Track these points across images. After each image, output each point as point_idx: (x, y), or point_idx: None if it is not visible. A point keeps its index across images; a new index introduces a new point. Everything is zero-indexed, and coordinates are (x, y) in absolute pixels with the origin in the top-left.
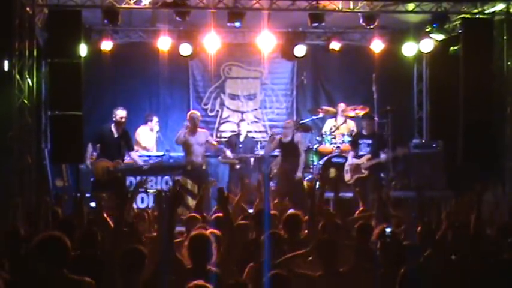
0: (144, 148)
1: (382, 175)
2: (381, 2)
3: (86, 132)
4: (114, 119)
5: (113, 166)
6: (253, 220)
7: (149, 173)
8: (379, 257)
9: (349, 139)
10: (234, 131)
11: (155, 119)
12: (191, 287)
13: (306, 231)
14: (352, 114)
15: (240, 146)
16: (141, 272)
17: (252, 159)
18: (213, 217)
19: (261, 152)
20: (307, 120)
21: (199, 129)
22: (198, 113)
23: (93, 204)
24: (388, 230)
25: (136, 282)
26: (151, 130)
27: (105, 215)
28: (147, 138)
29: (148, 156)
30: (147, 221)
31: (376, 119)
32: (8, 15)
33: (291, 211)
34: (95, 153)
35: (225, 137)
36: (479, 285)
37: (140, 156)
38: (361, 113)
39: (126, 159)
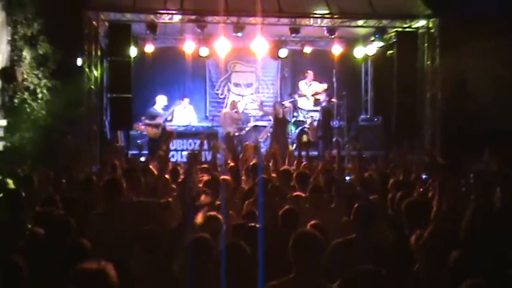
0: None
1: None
2: (339, 20)
3: (134, 109)
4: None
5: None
6: (251, 170)
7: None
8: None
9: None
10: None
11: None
12: (205, 217)
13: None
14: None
15: None
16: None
17: (247, 128)
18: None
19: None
20: (288, 101)
21: None
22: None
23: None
24: (347, 178)
25: None
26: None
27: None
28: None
29: (177, 125)
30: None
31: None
32: (80, 27)
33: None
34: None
35: None
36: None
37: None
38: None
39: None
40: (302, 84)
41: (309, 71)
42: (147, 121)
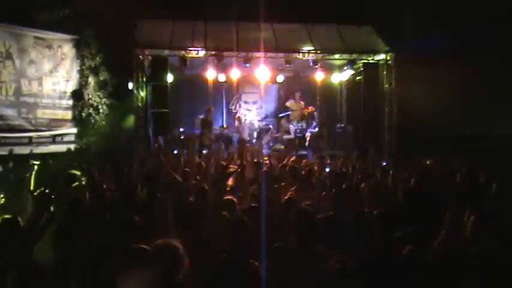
0: None
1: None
2: (321, 54)
3: (170, 120)
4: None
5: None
6: (256, 165)
7: None
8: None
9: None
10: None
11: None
12: (225, 200)
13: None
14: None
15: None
16: None
17: (252, 134)
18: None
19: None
20: (283, 114)
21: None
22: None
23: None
24: (327, 170)
25: None
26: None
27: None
28: None
29: None
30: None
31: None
32: (130, 60)
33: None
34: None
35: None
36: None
37: None
38: (312, 109)
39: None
40: (291, 103)
41: (296, 93)
42: (206, 131)
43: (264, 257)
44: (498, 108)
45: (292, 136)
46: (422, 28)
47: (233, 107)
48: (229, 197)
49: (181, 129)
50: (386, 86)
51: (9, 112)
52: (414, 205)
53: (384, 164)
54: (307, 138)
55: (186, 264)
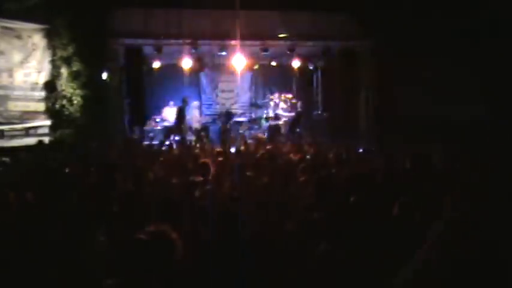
0: None
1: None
2: (297, 41)
3: (145, 111)
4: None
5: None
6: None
7: None
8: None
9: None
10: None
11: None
12: (204, 191)
13: None
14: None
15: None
16: None
17: (230, 123)
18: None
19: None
20: (260, 102)
21: None
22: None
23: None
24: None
25: None
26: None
27: None
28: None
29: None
30: None
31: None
32: (104, 50)
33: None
34: None
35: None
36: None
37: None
38: (289, 97)
39: None
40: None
41: (275, 95)
42: (183, 121)
43: (245, 246)
44: (473, 92)
45: (280, 122)
46: (400, 15)
47: (210, 96)
48: (208, 187)
49: (157, 120)
50: (363, 72)
51: None
52: (393, 190)
53: (361, 150)
54: (283, 125)
55: (179, 251)
